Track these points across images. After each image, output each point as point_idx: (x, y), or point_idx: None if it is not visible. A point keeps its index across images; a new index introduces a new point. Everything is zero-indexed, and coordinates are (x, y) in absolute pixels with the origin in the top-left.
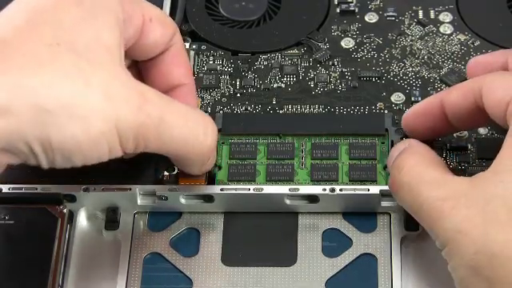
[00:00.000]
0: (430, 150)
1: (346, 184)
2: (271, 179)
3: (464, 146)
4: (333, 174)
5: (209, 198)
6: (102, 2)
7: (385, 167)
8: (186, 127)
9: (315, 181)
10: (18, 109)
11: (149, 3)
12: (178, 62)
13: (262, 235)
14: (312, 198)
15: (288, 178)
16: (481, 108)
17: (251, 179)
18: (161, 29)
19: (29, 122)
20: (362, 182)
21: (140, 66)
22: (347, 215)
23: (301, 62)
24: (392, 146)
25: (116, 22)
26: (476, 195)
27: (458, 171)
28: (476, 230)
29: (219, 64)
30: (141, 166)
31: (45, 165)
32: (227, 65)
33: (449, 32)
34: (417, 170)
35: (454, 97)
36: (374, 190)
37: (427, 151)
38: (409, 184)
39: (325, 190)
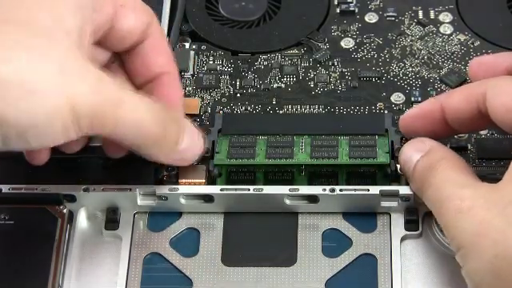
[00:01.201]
0: (457, 155)
1: (346, 161)
2: (271, 157)
3: (464, 146)
4: (332, 152)
5: (209, 198)
6: None
7: (387, 152)
8: (141, 114)
9: (315, 158)
10: None
11: None
12: (158, 51)
13: (262, 235)
14: (312, 198)
15: (288, 156)
16: (483, 112)
17: (250, 157)
18: (134, 16)
19: None
20: (362, 158)
21: (123, 59)
22: (347, 215)
23: (301, 62)
24: (392, 146)
25: (79, 6)
26: (495, 198)
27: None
28: (495, 233)
29: (219, 64)
30: (141, 166)
31: None
32: (227, 65)
33: (449, 32)
34: (448, 172)
35: (456, 100)
36: (374, 190)
37: (456, 156)
38: (438, 183)
39: (325, 190)
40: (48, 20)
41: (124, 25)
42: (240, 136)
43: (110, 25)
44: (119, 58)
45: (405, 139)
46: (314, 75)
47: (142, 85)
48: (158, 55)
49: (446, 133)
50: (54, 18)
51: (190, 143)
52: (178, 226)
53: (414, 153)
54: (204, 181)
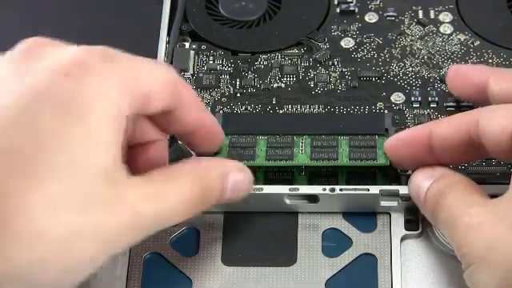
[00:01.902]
0: (468, 179)
1: (346, 162)
2: (271, 158)
3: None
4: (332, 154)
5: None
6: (97, 98)
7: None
8: (185, 202)
9: (315, 159)
10: None
11: (152, 67)
12: (190, 108)
13: (262, 235)
14: (312, 198)
15: (288, 158)
16: (473, 140)
17: (250, 158)
18: (167, 97)
19: None
20: (362, 160)
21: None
22: (347, 215)
23: (301, 62)
24: None
25: (113, 123)
26: (505, 212)
27: (457, 171)
28: (506, 247)
29: (219, 64)
30: None
31: None
32: (227, 65)
33: (449, 32)
34: (458, 194)
35: (445, 128)
36: (374, 189)
37: (467, 180)
38: (449, 204)
39: (325, 189)
40: (74, 176)
41: (152, 108)
42: (240, 136)
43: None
44: None
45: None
46: (314, 75)
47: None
48: (191, 111)
49: (428, 161)
50: (83, 164)
51: (235, 186)
52: (178, 226)
53: (424, 180)
54: None
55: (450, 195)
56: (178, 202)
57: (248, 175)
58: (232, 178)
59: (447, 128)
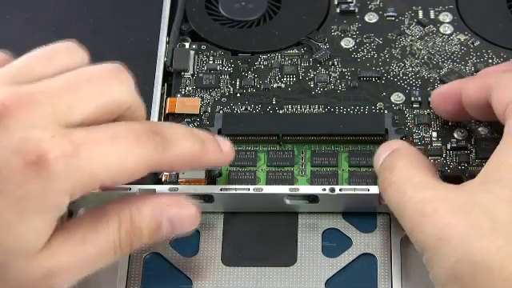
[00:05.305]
0: (421, 154)
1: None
2: (271, 184)
3: (464, 146)
4: (333, 181)
5: (209, 198)
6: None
7: None
8: (104, 251)
9: (314, 184)
10: None
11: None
12: None
13: (262, 235)
14: (312, 198)
15: (288, 185)
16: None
17: (251, 185)
18: None
19: None
20: (361, 184)
21: None
22: (347, 215)
23: (301, 62)
24: None
25: (45, 218)
26: (460, 202)
27: (457, 171)
28: (458, 238)
29: (219, 64)
30: None
31: None
32: (227, 65)
33: (449, 32)
34: (407, 171)
35: (471, 87)
36: (374, 189)
37: (419, 155)
38: (397, 183)
39: (325, 189)
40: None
41: None
42: (240, 147)
43: None
44: None
45: (404, 138)
46: (314, 75)
47: None
48: None
49: (461, 115)
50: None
51: (173, 222)
52: None
53: (383, 152)
54: (204, 180)
55: (398, 170)
56: (96, 252)
57: (189, 210)
58: (167, 214)
59: (473, 86)
